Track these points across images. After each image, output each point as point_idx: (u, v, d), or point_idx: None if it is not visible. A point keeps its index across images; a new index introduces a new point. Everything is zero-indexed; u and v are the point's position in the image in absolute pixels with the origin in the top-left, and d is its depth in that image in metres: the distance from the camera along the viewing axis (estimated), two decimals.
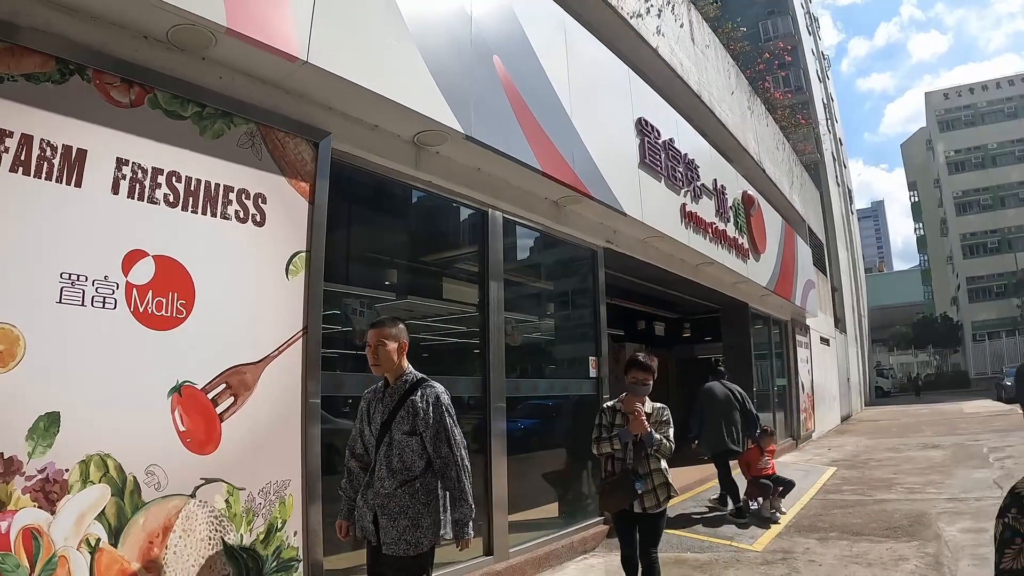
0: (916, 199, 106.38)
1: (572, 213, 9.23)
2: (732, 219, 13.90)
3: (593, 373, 9.80)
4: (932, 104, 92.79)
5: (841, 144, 54.96)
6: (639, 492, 5.57)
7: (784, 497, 11.13)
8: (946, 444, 19.08)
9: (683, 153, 11.64)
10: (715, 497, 11.28)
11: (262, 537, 4.93)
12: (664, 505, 5.74)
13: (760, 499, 10.84)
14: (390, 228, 8.19)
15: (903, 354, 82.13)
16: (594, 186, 8.63)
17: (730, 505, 10.77)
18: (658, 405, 5.88)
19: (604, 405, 6.07)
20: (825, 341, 29.08)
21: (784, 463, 16.87)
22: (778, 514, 10.70)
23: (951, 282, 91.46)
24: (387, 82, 5.73)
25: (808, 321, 24.15)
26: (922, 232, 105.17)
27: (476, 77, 6.76)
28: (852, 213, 54.97)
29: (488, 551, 7.34)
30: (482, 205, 7.77)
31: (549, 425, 10.20)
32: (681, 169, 11.40)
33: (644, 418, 5.60)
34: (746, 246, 14.67)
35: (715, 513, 10.98)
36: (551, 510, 9.41)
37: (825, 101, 49.02)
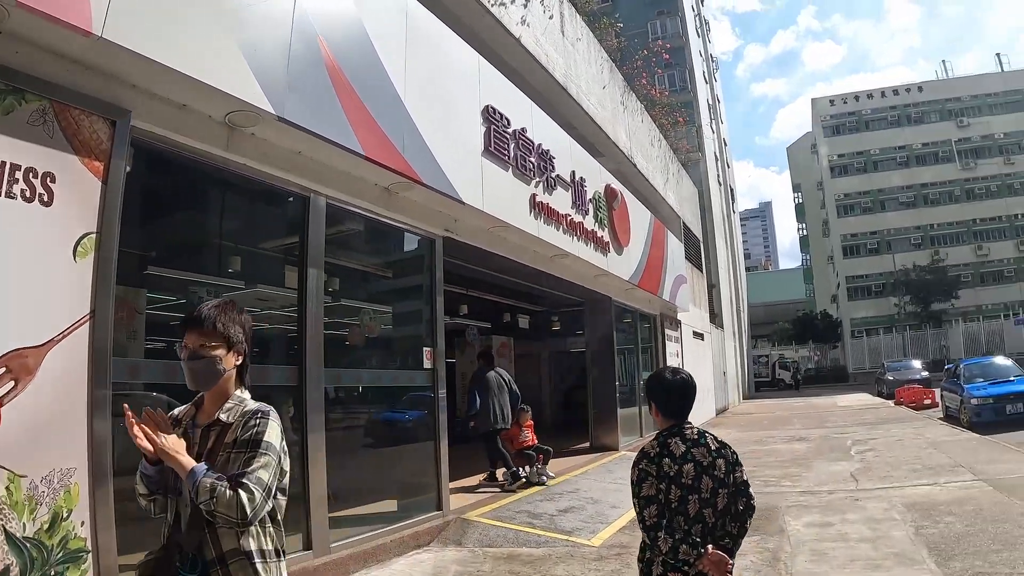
0: (800, 200, 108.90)
1: (405, 200, 9.04)
2: (592, 212, 13.97)
3: (428, 364, 9.66)
4: (818, 110, 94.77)
5: (726, 145, 55.79)
6: None
7: (547, 464, 13.01)
8: (813, 437, 19.50)
9: (536, 143, 11.62)
10: (486, 475, 12.85)
11: (47, 526, 4.72)
12: None
13: (527, 467, 12.57)
14: (205, 211, 8.01)
15: (785, 349, 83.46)
16: (427, 172, 8.49)
17: (500, 477, 12.50)
18: (252, 407, 2.96)
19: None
20: (699, 336, 29.65)
21: None
22: (545, 478, 12.65)
23: (832, 281, 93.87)
24: (191, 60, 5.52)
25: (680, 315, 24.58)
26: (805, 232, 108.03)
27: (296, 58, 6.57)
28: (734, 212, 55.80)
29: (307, 546, 7.19)
30: (303, 190, 7.57)
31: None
32: (533, 159, 11.41)
33: (171, 440, 2.78)
34: (606, 239, 14.76)
35: (518, 495, 11.56)
36: (388, 504, 9.29)
37: (711, 102, 49.74)
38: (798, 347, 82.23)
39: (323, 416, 7.53)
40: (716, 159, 45.70)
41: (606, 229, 14.83)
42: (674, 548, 3.54)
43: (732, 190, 55.75)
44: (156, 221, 7.25)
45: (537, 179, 11.56)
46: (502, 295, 17.57)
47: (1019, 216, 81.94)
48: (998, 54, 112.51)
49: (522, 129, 11.15)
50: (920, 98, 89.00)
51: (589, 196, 13.92)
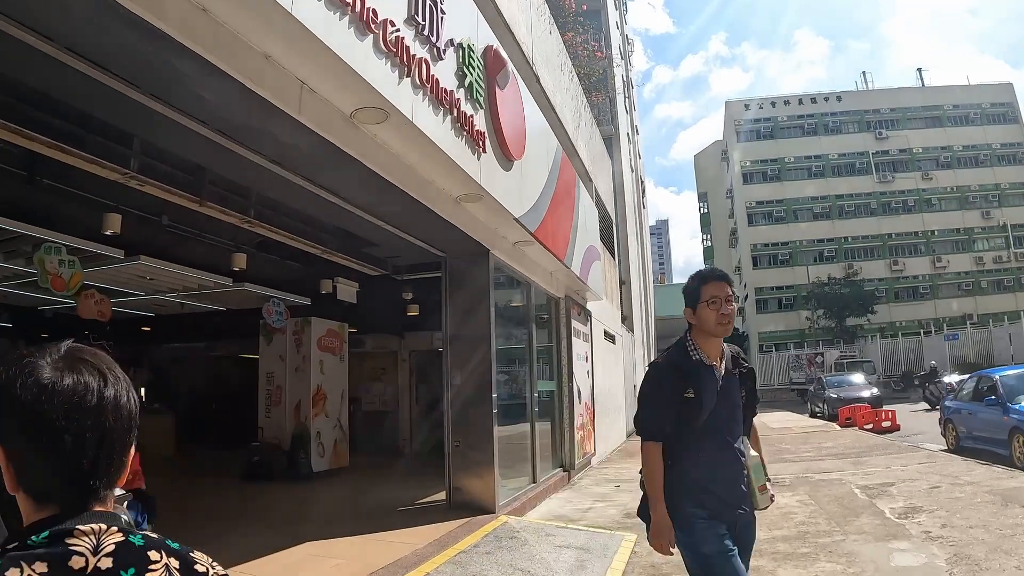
0: (705, 210, 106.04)
1: None
2: (456, 66, 7.26)
3: None
4: (731, 113, 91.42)
5: (637, 133, 50.68)
6: None
7: (152, 522, 7.08)
8: (789, 479, 13.51)
9: None
10: None
11: None
12: None
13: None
14: None
15: None
16: None
17: None
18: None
19: None
20: (610, 337, 22.97)
21: (549, 513, 10.92)
22: None
23: (738, 293, 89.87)
24: None
25: (590, 305, 17.82)
26: (709, 243, 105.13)
27: None
28: (644, 207, 50.71)
29: None
30: None
31: None
32: None
33: None
34: (481, 129, 7.96)
35: None
36: None
37: (625, 79, 44.25)
38: None
39: None
40: (629, 142, 39.95)
41: (482, 112, 8.07)
42: None
43: (643, 182, 50.54)
44: None
45: None
46: (290, 229, 10.53)
47: (935, 233, 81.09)
48: (919, 69, 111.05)
49: None
50: (838, 107, 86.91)
51: (450, 36, 7.07)
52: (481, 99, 7.98)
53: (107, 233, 8.66)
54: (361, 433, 17.66)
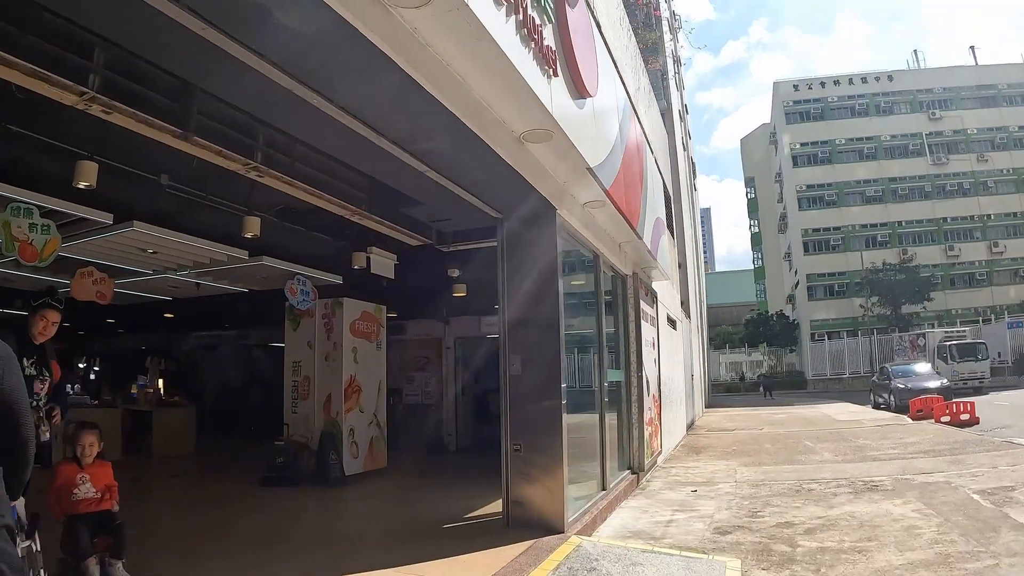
0: (753, 195, 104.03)
1: None
2: None
3: None
4: (780, 94, 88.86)
5: (687, 112, 48.81)
6: None
7: (123, 557, 5.76)
8: (888, 481, 11.73)
9: None
10: None
11: None
12: None
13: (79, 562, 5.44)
14: None
15: (735, 352, 78.66)
16: None
17: None
18: None
19: None
20: (672, 322, 21.06)
21: (624, 529, 9.26)
22: None
23: (788, 280, 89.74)
24: None
25: (655, 285, 16.00)
26: (757, 229, 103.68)
27: None
28: (695, 189, 48.94)
29: None
30: None
31: None
32: None
33: None
34: (551, 45, 6.20)
35: None
36: None
37: (675, 56, 42.41)
38: (750, 350, 79.09)
39: None
40: (680, 119, 38.05)
41: (551, 27, 6.31)
42: None
43: (693, 163, 48.78)
44: None
45: None
46: (310, 180, 8.64)
47: (991, 217, 78.21)
48: (972, 47, 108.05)
49: None
50: (889, 87, 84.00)
51: None
52: (551, 10, 6.21)
53: (80, 186, 6.85)
54: (402, 429, 16.10)
